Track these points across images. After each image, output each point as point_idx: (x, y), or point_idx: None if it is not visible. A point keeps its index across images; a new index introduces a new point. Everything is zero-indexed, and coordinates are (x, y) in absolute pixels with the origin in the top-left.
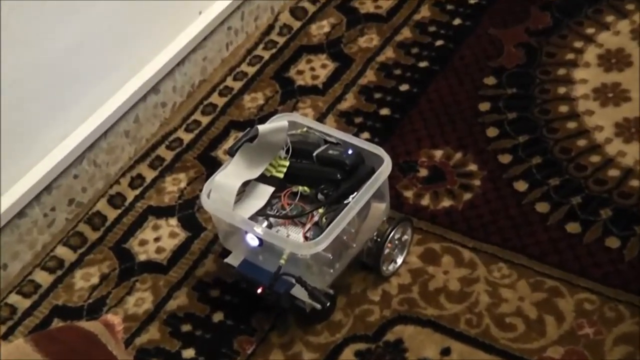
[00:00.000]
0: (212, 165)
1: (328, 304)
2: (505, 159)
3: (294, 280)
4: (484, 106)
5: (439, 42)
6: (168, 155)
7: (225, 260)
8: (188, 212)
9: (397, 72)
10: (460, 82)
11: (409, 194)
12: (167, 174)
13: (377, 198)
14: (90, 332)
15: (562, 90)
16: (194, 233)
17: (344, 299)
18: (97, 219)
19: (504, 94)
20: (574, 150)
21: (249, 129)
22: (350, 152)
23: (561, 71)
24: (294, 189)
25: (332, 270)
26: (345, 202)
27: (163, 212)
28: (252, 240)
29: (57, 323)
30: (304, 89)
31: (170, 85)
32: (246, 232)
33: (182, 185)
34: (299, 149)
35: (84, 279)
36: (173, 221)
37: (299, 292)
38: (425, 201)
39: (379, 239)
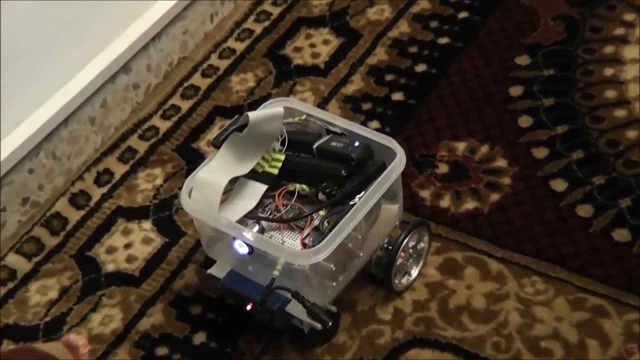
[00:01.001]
0: (193, 159)
1: (330, 324)
2: (541, 153)
3: (289, 296)
4: (516, 90)
5: (462, 14)
6: (141, 147)
7: (209, 271)
8: (165, 214)
9: (413, 49)
10: (487, 62)
11: (426, 193)
12: (140, 168)
13: (388, 198)
14: (49, 355)
15: (608, 71)
16: (171, 239)
17: (349, 318)
18: (57, 221)
19: (540, 76)
20: (623, 143)
21: (237, 116)
22: (356, 144)
23: (608, 49)
24: (291, 187)
25: (334, 284)
26: (351, 203)
27: (135, 213)
28: (241, 248)
29: (7, 345)
30: (303, 69)
31: (143, 63)
32: (234, 238)
33: (158, 182)
34: (296, 141)
35: (40, 293)
36: (147, 224)
37: (295, 309)
38: (445, 202)
39: (390, 247)
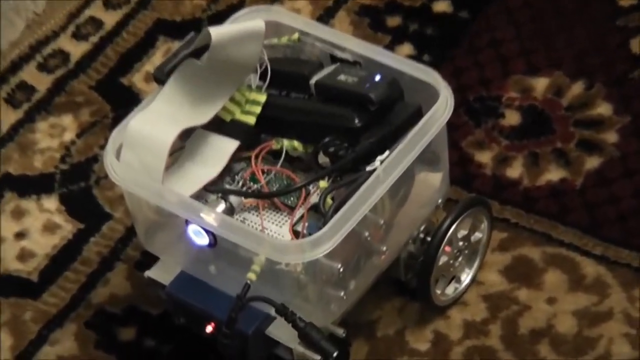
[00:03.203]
0: (123, 102)
1: (335, 355)
2: None
3: (272, 312)
4: None
5: None
6: (42, 82)
7: (148, 274)
8: (78, 186)
9: None
10: None
11: (485, 157)
12: (39, 116)
13: (426, 164)
14: None
15: None
16: (89, 225)
17: (365, 348)
18: None
19: None
20: None
21: (192, 34)
22: (377, 78)
23: None
24: (275, 144)
25: (342, 294)
26: (368, 168)
27: (32, 186)
28: (198, 237)
29: None
30: None
31: None
32: (187, 223)
33: (68, 137)
34: (284, 73)
35: None
36: (50, 203)
37: (281, 332)
38: (516, 171)
39: (429, 239)
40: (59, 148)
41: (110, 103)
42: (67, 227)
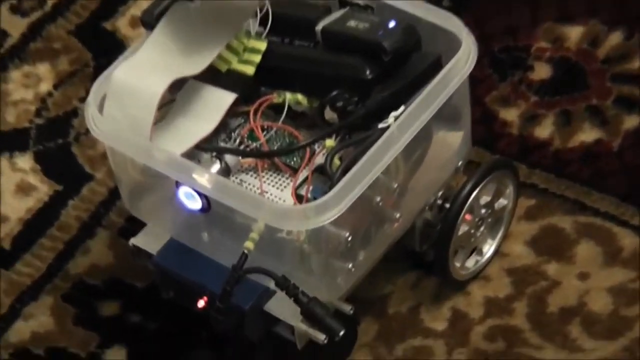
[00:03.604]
0: (106, 49)
1: (341, 334)
2: None
3: (272, 285)
4: None
5: None
6: (15, 26)
7: (133, 241)
8: (56, 142)
9: None
10: None
11: (511, 115)
12: (12, 65)
13: (445, 122)
14: None
15: None
16: (67, 186)
17: (375, 326)
18: None
19: None
20: None
21: None
22: (392, 24)
23: None
24: (277, 98)
25: (350, 266)
26: (381, 125)
27: (4, 142)
28: (190, 201)
29: None
30: None
31: None
32: (177, 185)
33: (44, 88)
34: (287, 18)
35: None
36: (24, 161)
37: (282, 308)
38: (545, 131)
39: (448, 205)
40: (34, 100)
41: (92, 50)
42: (43, 189)
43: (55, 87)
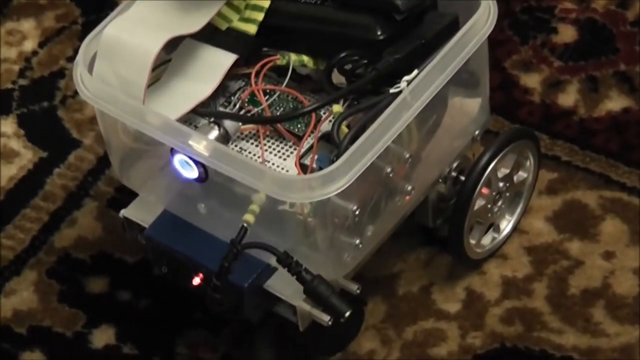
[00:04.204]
0: (95, 3)
1: (347, 315)
2: None
3: (273, 262)
4: None
5: None
6: None
7: (123, 213)
8: (41, 105)
9: None
10: None
11: (533, 81)
12: None
13: (462, 87)
14: None
15: None
16: (52, 153)
17: (383, 307)
18: None
19: None
20: None
21: None
22: None
23: None
24: (280, 60)
25: (357, 242)
26: (392, 90)
27: None
28: (185, 169)
29: None
30: None
31: None
32: (172, 152)
33: (29, 46)
34: None
35: None
36: (7, 125)
37: (283, 286)
38: (569, 98)
39: (463, 178)
40: (17, 59)
41: (80, 6)
42: (27, 155)
43: (41, 45)
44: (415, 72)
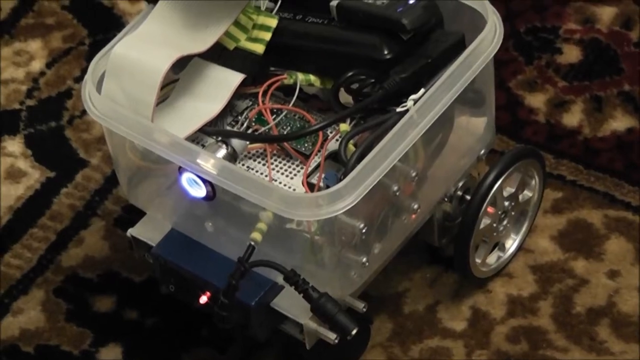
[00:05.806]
0: (103, 24)
1: (354, 332)
2: None
3: (280, 280)
4: None
5: None
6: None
7: (131, 232)
8: (48, 125)
9: None
10: None
11: (538, 100)
12: (1, 40)
13: (468, 106)
14: None
15: None
16: (60, 173)
17: (389, 324)
18: None
19: None
20: None
21: None
22: (412, 0)
23: None
24: (288, 79)
25: (364, 260)
26: (399, 109)
27: None
28: (193, 188)
29: None
30: None
31: None
32: (180, 170)
33: (36, 66)
34: None
35: None
36: (14, 145)
37: (290, 304)
38: (574, 118)
39: (468, 197)
40: (25, 80)
41: (87, 26)
42: (34, 175)
43: (48, 65)
44: (422, 91)
